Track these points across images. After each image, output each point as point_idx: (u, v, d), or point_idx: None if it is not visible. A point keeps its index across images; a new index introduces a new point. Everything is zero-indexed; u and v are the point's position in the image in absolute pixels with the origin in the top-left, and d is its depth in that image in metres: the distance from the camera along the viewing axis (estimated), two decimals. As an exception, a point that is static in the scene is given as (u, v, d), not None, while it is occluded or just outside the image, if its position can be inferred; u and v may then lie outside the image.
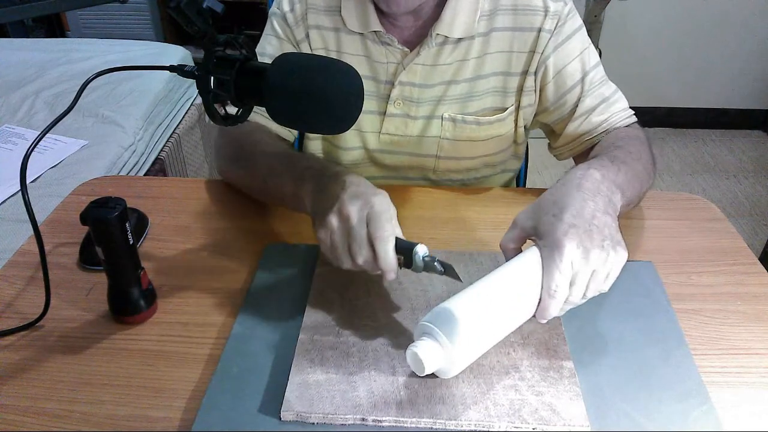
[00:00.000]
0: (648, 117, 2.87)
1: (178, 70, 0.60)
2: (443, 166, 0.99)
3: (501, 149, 0.99)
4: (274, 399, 0.60)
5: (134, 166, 1.62)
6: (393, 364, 0.63)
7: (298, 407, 0.58)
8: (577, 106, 0.91)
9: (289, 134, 0.98)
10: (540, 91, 0.93)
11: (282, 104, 0.59)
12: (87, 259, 0.79)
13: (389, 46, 0.90)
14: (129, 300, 0.69)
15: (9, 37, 2.61)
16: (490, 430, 0.57)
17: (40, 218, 0.67)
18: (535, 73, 0.91)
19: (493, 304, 0.61)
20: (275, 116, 0.60)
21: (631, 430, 0.57)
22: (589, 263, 0.60)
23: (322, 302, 0.71)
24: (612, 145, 0.83)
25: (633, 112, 0.92)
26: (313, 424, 0.58)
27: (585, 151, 0.93)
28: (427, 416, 0.57)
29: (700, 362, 0.64)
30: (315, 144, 1.03)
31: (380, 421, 0.57)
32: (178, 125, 1.91)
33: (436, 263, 0.64)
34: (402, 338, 0.66)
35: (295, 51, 0.93)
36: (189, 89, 2.00)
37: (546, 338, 0.66)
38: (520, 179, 1.20)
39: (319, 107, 0.58)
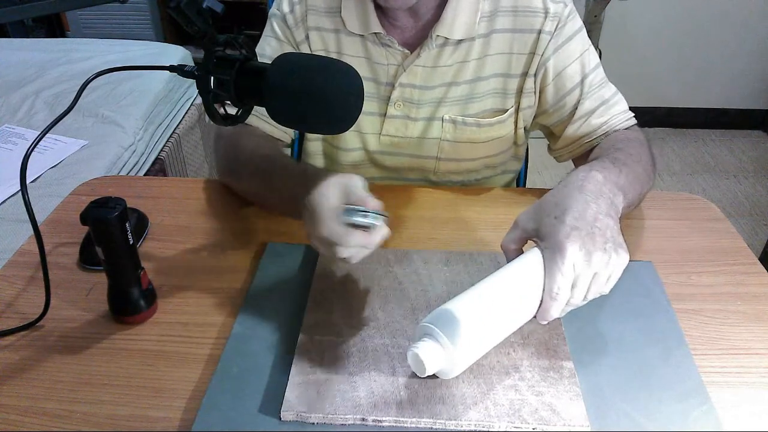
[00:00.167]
0: (648, 117, 2.87)
1: (178, 70, 0.60)
2: (444, 167, 0.99)
3: (501, 151, 0.99)
4: (274, 399, 0.60)
5: (134, 166, 1.62)
6: (393, 364, 0.63)
7: (298, 407, 0.58)
8: (576, 108, 0.91)
9: (285, 135, 0.97)
10: (540, 93, 0.93)
11: (282, 104, 0.59)
12: (87, 259, 0.79)
13: (389, 48, 0.90)
14: (129, 300, 0.69)
15: (9, 37, 2.61)
16: (490, 430, 0.57)
17: (40, 218, 0.67)
18: (535, 75, 0.91)
19: (494, 306, 0.61)
20: (275, 116, 0.60)
21: (631, 430, 0.57)
22: (591, 266, 0.60)
23: (322, 302, 0.71)
24: (612, 147, 0.83)
25: (632, 114, 0.92)
26: (313, 424, 0.58)
27: (584, 154, 0.92)
28: (427, 416, 0.57)
29: (700, 362, 0.64)
30: (315, 145, 1.03)
31: (380, 421, 0.57)
32: (178, 125, 1.91)
33: (363, 216, 0.62)
34: (402, 338, 0.66)
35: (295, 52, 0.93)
36: (189, 89, 2.00)
37: (546, 338, 0.66)
38: (520, 179, 1.20)
39: (319, 107, 0.58)
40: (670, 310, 0.71)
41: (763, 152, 2.78)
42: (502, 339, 0.63)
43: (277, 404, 0.59)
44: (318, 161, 1.05)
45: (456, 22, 0.87)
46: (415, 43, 0.90)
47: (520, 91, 0.93)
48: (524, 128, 0.98)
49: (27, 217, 0.61)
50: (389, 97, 0.94)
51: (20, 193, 0.59)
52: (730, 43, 2.72)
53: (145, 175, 1.65)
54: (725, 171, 2.64)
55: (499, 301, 0.61)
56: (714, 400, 0.60)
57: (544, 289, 0.61)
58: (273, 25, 0.94)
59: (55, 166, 1.51)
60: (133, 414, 0.60)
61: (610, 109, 0.90)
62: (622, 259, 0.62)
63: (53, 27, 3.00)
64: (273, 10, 0.95)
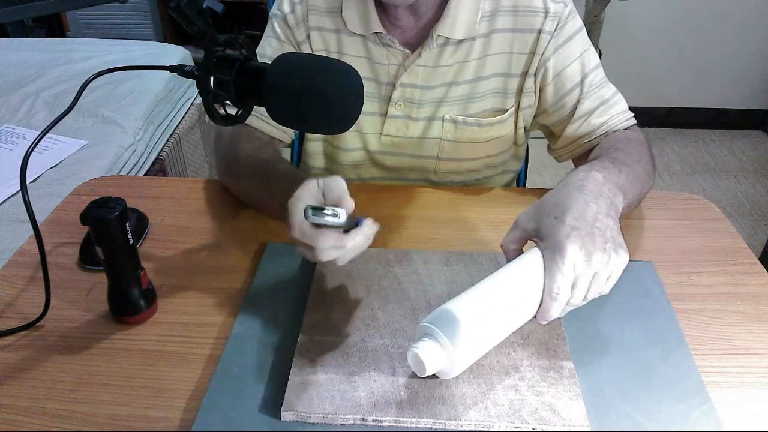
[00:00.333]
0: (648, 117, 2.87)
1: (178, 70, 0.60)
2: (444, 167, 0.99)
3: (502, 150, 0.99)
4: (274, 399, 0.60)
5: (134, 166, 1.62)
6: (393, 364, 0.63)
7: (298, 407, 0.58)
8: (576, 108, 0.91)
9: (285, 135, 0.97)
10: (539, 92, 0.93)
11: (282, 104, 0.59)
12: (87, 259, 0.79)
13: (390, 48, 0.90)
14: (129, 300, 0.69)
15: (9, 37, 2.61)
16: (490, 430, 0.57)
17: (40, 218, 0.67)
18: (535, 75, 0.91)
19: (494, 306, 0.61)
20: (275, 116, 0.60)
21: (631, 430, 0.57)
22: (591, 266, 0.60)
23: (322, 302, 0.71)
24: (612, 147, 0.83)
25: (632, 114, 0.92)
26: (313, 424, 0.58)
27: (584, 154, 0.92)
28: (427, 416, 0.57)
29: (700, 362, 0.64)
30: (315, 145, 1.03)
31: (380, 421, 0.57)
32: (178, 125, 1.90)
33: (326, 215, 0.61)
34: (402, 338, 0.66)
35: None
36: (189, 89, 2.00)
37: (546, 338, 0.66)
38: (520, 179, 1.20)
39: (319, 107, 0.58)
40: (670, 310, 0.71)
41: (763, 152, 2.78)
42: (502, 339, 0.63)
43: (277, 404, 0.59)
44: (318, 161, 1.05)
45: (457, 22, 0.87)
46: (416, 43, 0.90)
47: (520, 91, 0.93)
48: (524, 128, 0.98)
49: (27, 217, 0.61)
50: (390, 97, 0.94)
51: (20, 193, 0.59)
52: (730, 43, 2.72)
53: (145, 175, 1.65)
54: (725, 171, 2.64)
55: (499, 301, 0.61)
56: (714, 400, 0.60)
57: (544, 289, 0.61)
58: (274, 26, 0.94)
59: (55, 166, 1.51)
60: (133, 414, 0.60)
61: (609, 109, 0.90)
62: (621, 258, 0.62)
63: (53, 27, 3.00)
64: (274, 10, 0.95)
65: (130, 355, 0.66)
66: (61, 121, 0.59)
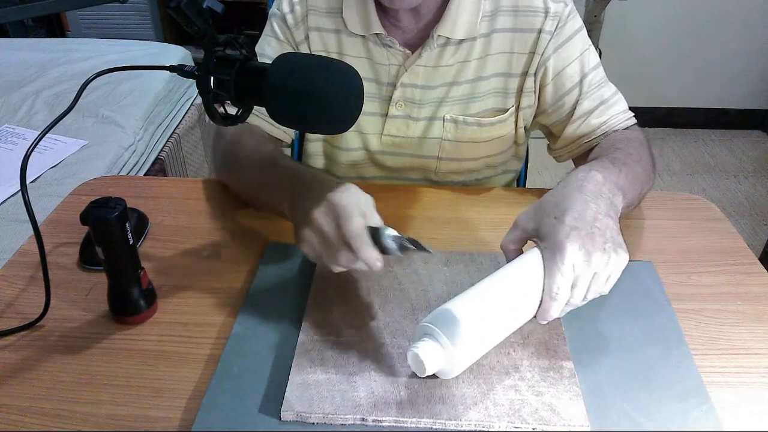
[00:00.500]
0: (648, 117, 2.87)
1: (178, 70, 0.60)
2: (445, 167, 0.99)
3: (502, 150, 0.99)
4: (274, 399, 0.60)
5: (134, 166, 1.62)
6: (393, 364, 0.63)
7: (298, 407, 0.58)
8: (575, 108, 0.91)
9: (286, 135, 0.97)
10: (539, 92, 0.93)
11: (282, 104, 0.59)
12: (87, 259, 0.79)
13: (391, 48, 0.90)
14: (129, 300, 0.69)
15: (9, 37, 2.61)
16: (490, 430, 0.57)
17: (40, 218, 0.67)
18: (535, 74, 0.91)
19: (494, 306, 0.61)
20: (275, 116, 0.60)
21: (631, 430, 0.57)
22: (590, 266, 0.60)
23: (322, 302, 0.71)
24: (612, 147, 0.83)
25: (632, 114, 0.92)
26: (313, 424, 0.58)
27: (584, 154, 0.92)
28: (427, 416, 0.57)
29: (700, 362, 0.64)
30: (315, 145, 1.03)
31: (380, 421, 0.57)
32: (178, 125, 1.91)
33: (405, 242, 0.62)
34: (402, 338, 0.66)
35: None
36: (189, 89, 2.00)
37: (546, 338, 0.66)
38: (520, 179, 1.20)
39: (319, 107, 0.58)
40: (670, 310, 0.71)
41: (763, 152, 2.78)
42: (502, 339, 0.63)
43: (277, 404, 0.59)
44: (318, 161, 1.04)
45: (457, 22, 0.87)
46: (417, 44, 0.90)
47: (520, 91, 0.93)
48: (525, 128, 0.98)
49: (27, 217, 0.61)
50: (390, 98, 0.94)
51: (20, 193, 0.59)
52: (730, 43, 2.72)
53: (145, 175, 1.65)
54: (725, 171, 2.64)
55: (499, 301, 0.61)
56: (714, 400, 0.60)
57: (543, 289, 0.61)
58: (273, 25, 0.94)
59: (55, 166, 1.52)
60: (133, 414, 0.60)
61: (609, 109, 0.90)
62: (621, 258, 0.62)
63: (53, 27, 3.01)
64: (273, 9, 0.95)
65: (130, 355, 0.66)
66: (61, 121, 0.59)
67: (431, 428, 0.57)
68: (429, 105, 0.94)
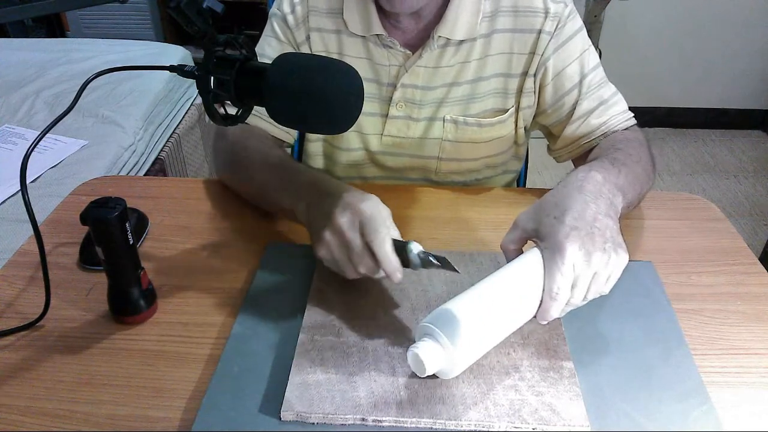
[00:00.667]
0: (648, 117, 2.87)
1: (178, 70, 0.60)
2: (445, 167, 0.99)
3: (502, 150, 0.99)
4: (274, 399, 0.60)
5: (134, 166, 1.62)
6: (393, 364, 0.63)
7: (298, 407, 0.58)
8: (575, 108, 0.91)
9: (288, 136, 0.97)
10: (539, 92, 0.93)
11: (282, 104, 0.59)
12: (87, 259, 0.79)
13: (391, 49, 0.90)
14: (129, 300, 0.69)
15: (9, 37, 2.61)
16: (490, 430, 0.57)
17: (40, 218, 0.67)
18: (535, 75, 0.91)
19: (494, 306, 0.61)
20: (275, 116, 0.60)
21: (631, 430, 0.57)
22: (590, 266, 0.60)
23: (322, 302, 0.71)
24: (612, 147, 0.83)
25: (632, 114, 0.92)
26: (313, 424, 0.58)
27: (584, 154, 0.92)
28: (427, 416, 0.57)
29: (700, 362, 0.64)
30: (315, 145, 1.03)
31: (380, 421, 0.57)
32: (178, 125, 1.91)
33: (431, 258, 0.64)
34: (402, 338, 0.66)
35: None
36: (189, 89, 2.00)
37: (546, 338, 0.66)
38: (520, 179, 1.20)
39: (319, 107, 0.58)
40: (670, 310, 0.71)
41: (763, 152, 2.78)
42: (502, 339, 0.63)
43: (277, 404, 0.59)
44: (318, 162, 1.04)
45: (458, 23, 0.87)
46: (417, 44, 0.90)
47: (520, 91, 0.93)
48: (525, 128, 0.98)
49: (27, 217, 0.61)
50: (391, 98, 0.94)
51: (20, 193, 0.59)
52: (730, 43, 2.72)
53: (145, 175, 1.65)
54: (725, 171, 2.64)
55: (499, 301, 0.61)
56: (714, 400, 0.60)
57: (543, 289, 0.61)
58: (273, 26, 0.94)
59: (55, 166, 1.51)
60: (133, 414, 0.60)
61: (608, 110, 0.90)
62: (621, 258, 0.62)
63: (53, 27, 3.01)
64: (273, 10, 0.95)
65: (130, 355, 0.66)
66: (61, 121, 0.59)
67: (431, 428, 0.57)
68: (429, 105, 0.94)
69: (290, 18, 0.92)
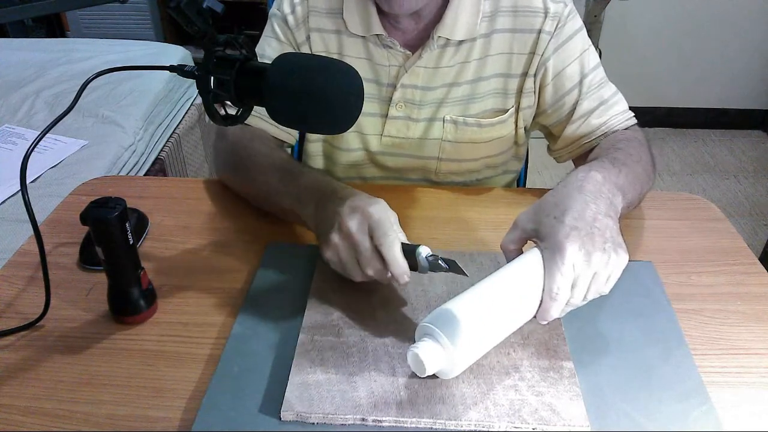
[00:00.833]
0: (648, 117, 2.87)
1: (178, 70, 0.60)
2: (445, 168, 0.99)
3: (502, 151, 0.99)
4: (274, 399, 0.60)
5: (134, 166, 1.62)
6: (393, 364, 0.63)
7: (298, 407, 0.58)
8: (575, 108, 0.91)
9: (290, 136, 0.97)
10: (539, 92, 0.93)
11: (282, 104, 0.59)
12: (87, 259, 0.79)
13: (391, 49, 0.90)
14: (129, 300, 0.69)
15: (9, 37, 2.61)
16: (490, 430, 0.57)
17: (40, 218, 0.67)
18: (535, 75, 0.91)
19: (494, 306, 0.61)
20: (275, 116, 0.60)
21: (631, 430, 0.57)
22: (590, 266, 0.60)
23: (322, 302, 0.71)
24: (612, 147, 0.83)
25: (632, 114, 0.92)
26: (313, 424, 0.58)
27: (584, 154, 0.92)
28: (427, 416, 0.57)
29: (700, 362, 0.64)
30: (315, 146, 1.03)
31: (380, 422, 0.57)
32: (178, 125, 1.91)
33: (440, 261, 0.64)
34: (402, 338, 0.66)
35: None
36: (189, 89, 2.00)
37: (546, 338, 0.66)
38: (520, 179, 1.20)
39: (319, 107, 0.58)
40: (670, 310, 0.71)
41: (763, 152, 2.78)
42: (502, 339, 0.63)
43: (277, 404, 0.59)
44: (318, 162, 1.04)
45: (457, 23, 0.87)
46: (417, 44, 0.90)
47: (520, 91, 0.93)
48: (525, 128, 0.98)
49: (27, 217, 0.61)
50: (391, 98, 0.94)
51: (20, 193, 0.59)
52: (730, 43, 2.72)
53: (145, 175, 1.65)
54: (725, 171, 2.65)
55: (499, 301, 0.61)
56: (714, 400, 0.60)
57: (543, 289, 0.61)
58: (273, 26, 0.94)
59: (55, 166, 1.52)
60: (133, 414, 0.60)
61: (609, 110, 0.90)
62: (621, 258, 0.62)
63: (53, 27, 3.01)
64: (273, 10, 0.95)
65: (130, 355, 0.66)
66: (61, 121, 0.59)
67: (431, 428, 0.57)
68: (429, 106, 0.94)
69: (290, 18, 0.92)
